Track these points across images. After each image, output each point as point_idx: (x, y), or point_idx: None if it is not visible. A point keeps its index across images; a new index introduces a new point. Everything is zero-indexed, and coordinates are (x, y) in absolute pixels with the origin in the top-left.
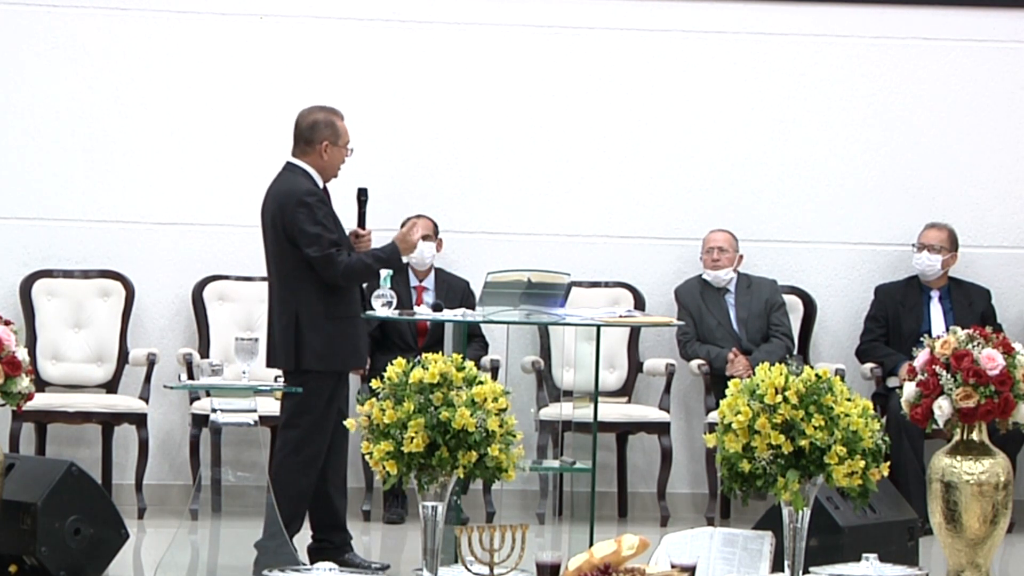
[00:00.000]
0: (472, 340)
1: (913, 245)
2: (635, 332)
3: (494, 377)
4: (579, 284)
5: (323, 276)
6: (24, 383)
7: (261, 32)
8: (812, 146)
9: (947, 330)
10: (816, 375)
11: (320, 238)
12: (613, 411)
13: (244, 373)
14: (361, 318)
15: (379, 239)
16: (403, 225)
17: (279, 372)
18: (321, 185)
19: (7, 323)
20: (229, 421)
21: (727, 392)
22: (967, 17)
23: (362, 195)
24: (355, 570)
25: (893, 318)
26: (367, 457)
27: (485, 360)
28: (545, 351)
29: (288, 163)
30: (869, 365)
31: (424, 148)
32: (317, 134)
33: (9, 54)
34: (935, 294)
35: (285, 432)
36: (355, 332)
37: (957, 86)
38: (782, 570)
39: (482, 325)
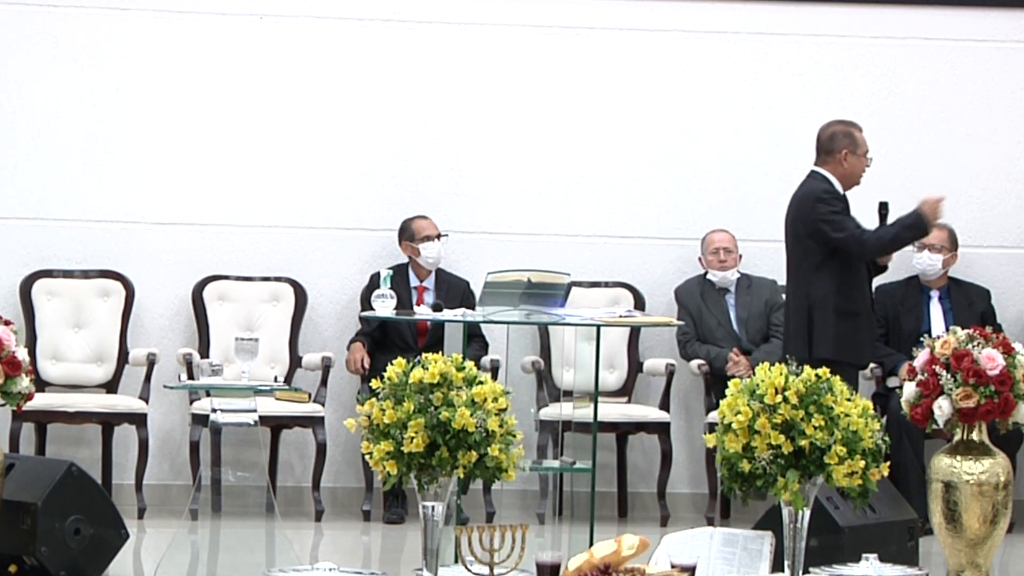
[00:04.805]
0: (472, 340)
1: (913, 245)
2: (635, 332)
3: (494, 377)
4: (579, 284)
5: (855, 255)
6: (24, 383)
7: (261, 32)
8: (812, 146)
9: (947, 330)
10: (816, 375)
11: (844, 223)
12: (613, 411)
13: (244, 373)
14: (870, 315)
15: (378, 239)
16: (403, 225)
17: (279, 372)
18: (841, 191)
19: (7, 323)
20: (229, 421)
21: (727, 392)
22: (967, 17)
23: (883, 208)
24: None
25: (893, 318)
26: (367, 457)
27: (485, 360)
28: (545, 351)
29: (812, 171)
30: (869, 365)
31: (424, 148)
32: (836, 144)
33: (9, 54)
34: (935, 294)
35: None
36: (860, 328)
37: (957, 86)
38: (782, 570)
39: (482, 325)
